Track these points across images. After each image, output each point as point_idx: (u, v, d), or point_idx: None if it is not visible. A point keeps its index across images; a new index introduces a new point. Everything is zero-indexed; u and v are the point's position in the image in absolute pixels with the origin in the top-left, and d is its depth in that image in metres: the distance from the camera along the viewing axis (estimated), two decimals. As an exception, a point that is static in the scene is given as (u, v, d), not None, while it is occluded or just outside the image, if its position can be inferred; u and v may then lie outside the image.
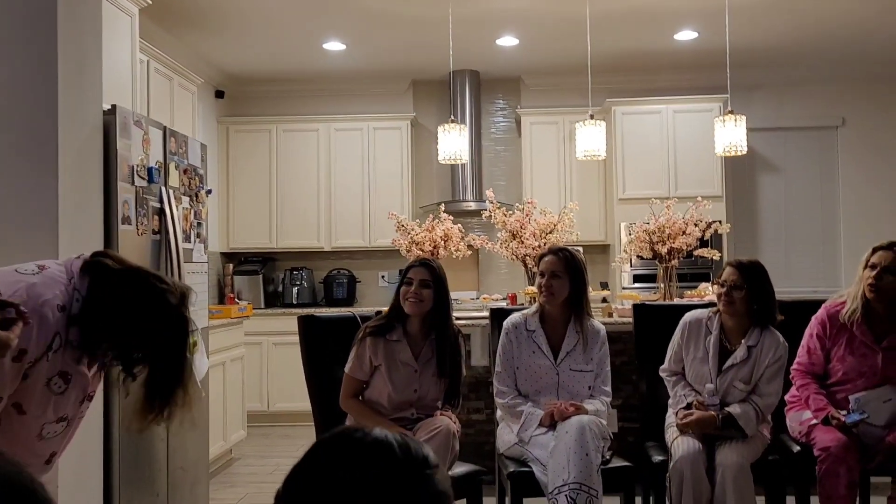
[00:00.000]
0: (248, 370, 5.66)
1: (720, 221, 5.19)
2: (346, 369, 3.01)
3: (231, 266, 6.76)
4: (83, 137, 2.74)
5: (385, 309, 3.14)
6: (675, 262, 4.84)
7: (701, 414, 3.00)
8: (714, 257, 4.95)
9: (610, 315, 4.72)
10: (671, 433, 3.08)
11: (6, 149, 2.46)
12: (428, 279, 2.97)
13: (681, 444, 2.95)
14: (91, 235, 2.83)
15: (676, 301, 4.52)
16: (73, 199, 2.67)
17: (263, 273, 6.81)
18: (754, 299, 3.05)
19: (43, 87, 2.55)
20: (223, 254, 6.84)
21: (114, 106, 2.97)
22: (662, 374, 3.26)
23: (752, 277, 3.05)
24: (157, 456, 3.27)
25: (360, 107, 7.06)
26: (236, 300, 6.21)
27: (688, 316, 3.22)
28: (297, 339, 3.28)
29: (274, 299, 6.88)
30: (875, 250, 3.04)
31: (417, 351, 3.00)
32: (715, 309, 3.17)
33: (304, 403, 6.02)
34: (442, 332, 3.01)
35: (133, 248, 3.06)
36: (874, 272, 2.99)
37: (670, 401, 3.21)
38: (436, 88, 7.10)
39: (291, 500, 0.83)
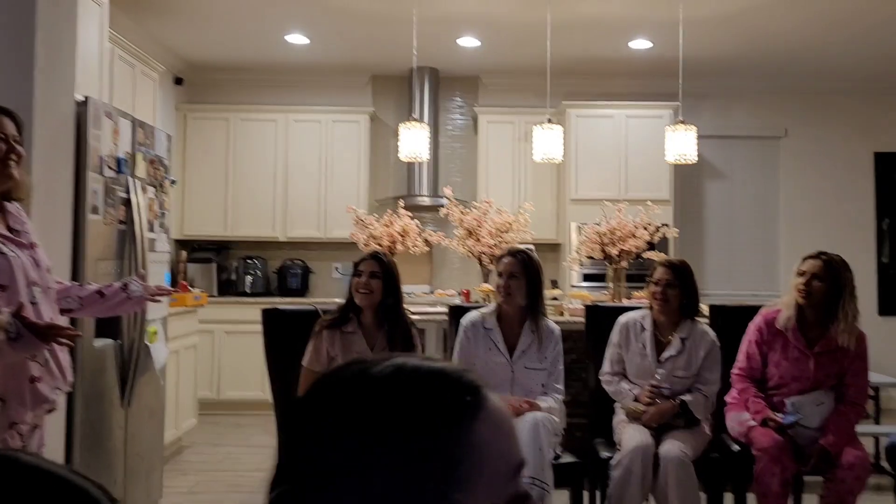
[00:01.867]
0: (199, 358, 5.66)
1: (668, 225, 5.39)
2: (304, 362, 3.08)
3: (185, 253, 6.73)
4: (56, 128, 2.75)
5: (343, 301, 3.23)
6: (624, 263, 5.03)
7: (661, 405, 3.18)
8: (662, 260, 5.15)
9: (561, 314, 4.88)
10: (621, 427, 3.24)
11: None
12: (377, 271, 3.06)
13: (633, 436, 3.10)
14: (60, 225, 2.84)
15: (626, 302, 4.70)
16: (44, 188, 2.69)
17: (217, 261, 6.80)
18: (684, 295, 3.29)
19: (19, 77, 2.56)
20: (177, 241, 6.80)
21: (87, 97, 2.98)
22: (603, 378, 3.44)
23: (682, 276, 3.31)
24: (116, 443, 3.30)
25: (319, 99, 7.09)
26: (190, 288, 6.19)
27: (622, 318, 3.44)
28: (249, 328, 3.34)
29: (227, 288, 6.88)
30: (805, 259, 3.27)
31: (372, 342, 3.09)
32: (647, 307, 3.37)
33: (254, 392, 6.15)
34: (394, 323, 3.10)
35: (99, 236, 3.09)
36: (804, 279, 3.20)
37: (616, 398, 3.38)
38: (395, 84, 7.16)
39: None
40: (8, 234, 1.98)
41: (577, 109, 6.65)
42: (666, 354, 3.30)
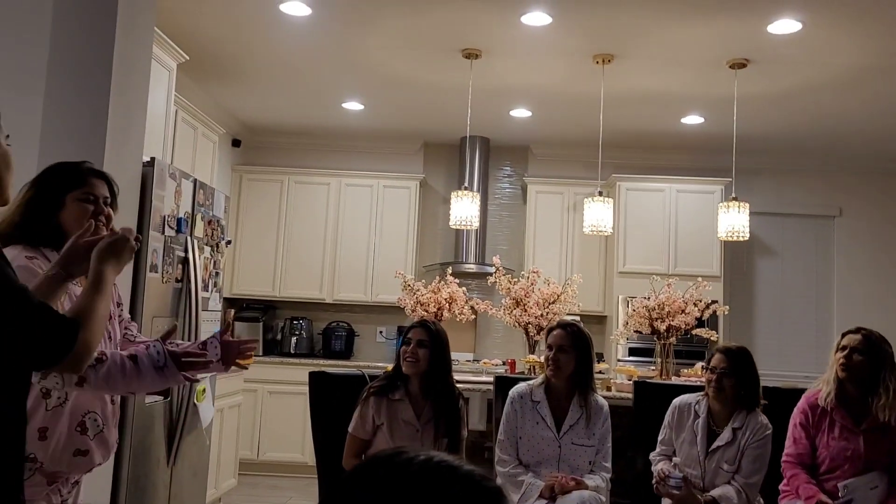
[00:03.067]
0: (243, 418, 5.67)
1: (718, 302, 5.30)
2: (350, 429, 3.05)
3: (233, 311, 6.81)
4: (123, 188, 2.84)
5: (389, 367, 3.22)
6: (672, 339, 4.94)
7: (686, 494, 3.06)
8: (711, 338, 5.05)
9: (608, 389, 4.80)
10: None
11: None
12: (425, 339, 3.04)
13: None
14: (121, 281, 2.91)
15: (675, 380, 4.60)
16: (108, 245, 2.77)
17: (264, 321, 6.87)
18: (741, 385, 3.17)
19: (92, 138, 2.67)
20: (226, 299, 6.89)
21: (153, 158, 3.09)
22: (653, 460, 3.34)
23: (740, 364, 3.20)
24: (159, 502, 3.30)
25: (371, 164, 7.23)
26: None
27: (677, 400, 3.33)
28: (292, 388, 3.35)
29: (272, 347, 6.93)
30: (844, 334, 3.19)
31: (419, 410, 3.06)
32: (703, 393, 3.28)
33: (294, 454, 6.11)
34: (440, 393, 3.07)
35: (156, 294, 3.15)
36: (844, 353, 3.12)
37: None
38: (446, 151, 7.28)
39: None
40: None
41: (627, 182, 6.65)
42: (716, 444, 3.18)
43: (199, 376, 2.06)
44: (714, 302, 5.16)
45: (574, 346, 3.21)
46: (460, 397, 3.15)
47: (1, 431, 1.40)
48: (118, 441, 2.07)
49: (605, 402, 3.31)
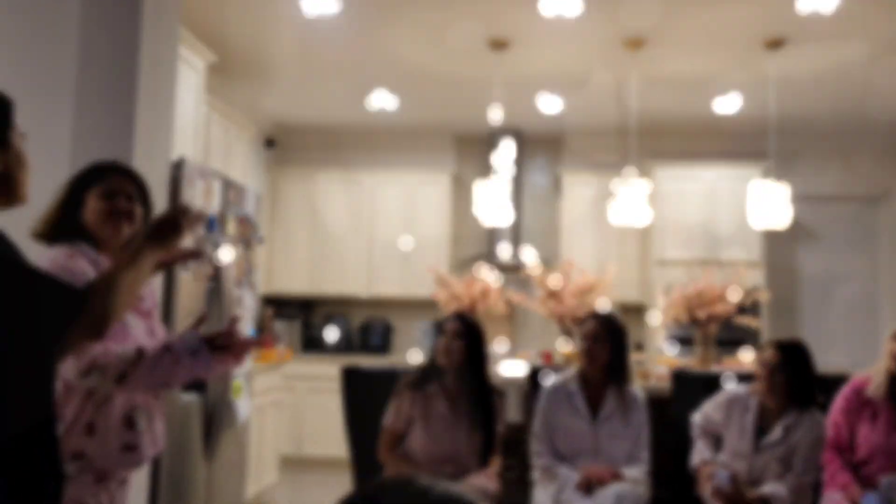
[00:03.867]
0: (283, 414, 5.72)
1: (759, 289, 5.19)
2: (385, 422, 3.04)
3: (271, 310, 6.87)
4: (151, 187, 2.88)
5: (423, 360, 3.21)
6: (713, 327, 4.84)
7: (733, 492, 2.96)
8: (753, 325, 4.95)
9: (646, 378, 4.72)
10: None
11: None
12: (461, 332, 3.01)
13: None
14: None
15: (715, 368, 4.51)
16: (139, 245, 2.80)
17: (302, 318, 6.92)
18: (794, 381, 3.05)
19: (120, 138, 2.70)
20: (264, 297, 6.97)
21: (182, 158, 3.12)
22: (694, 423, 3.24)
23: (793, 359, 3.06)
24: (198, 498, 3.33)
25: (404, 160, 7.23)
26: (275, 344, 6.30)
27: (727, 392, 3.23)
28: (332, 385, 3.36)
29: (311, 344, 6.98)
30: None
31: (454, 404, 3.03)
32: (754, 386, 3.18)
33: (336, 450, 6.14)
34: (476, 386, 3.04)
35: (190, 294, 3.18)
36: None
37: (696, 455, 3.19)
38: (477, 145, 7.25)
39: None
40: None
41: (662, 169, 6.54)
42: (766, 441, 3.08)
43: (230, 365, 2.04)
44: (755, 289, 5.04)
45: (608, 336, 3.16)
46: (496, 392, 3.12)
47: (30, 408, 1.42)
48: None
49: (640, 392, 3.26)
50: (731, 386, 3.27)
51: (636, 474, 3.07)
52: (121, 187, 2.01)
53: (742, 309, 4.88)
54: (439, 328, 3.08)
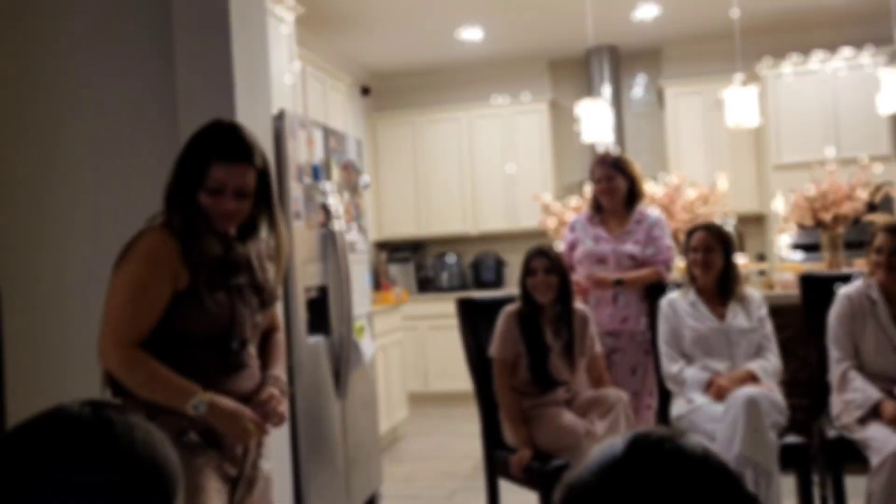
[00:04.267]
0: (407, 352, 5.90)
1: (891, 183, 4.87)
2: (494, 353, 3.10)
3: (384, 255, 7.05)
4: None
5: None
6: (840, 229, 4.60)
7: None
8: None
9: (771, 287, 4.56)
10: (852, 423, 2.86)
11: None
12: (550, 266, 3.06)
13: (891, 439, 2.65)
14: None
15: (846, 270, 4.30)
16: (253, 199, 2.92)
17: (414, 260, 7.06)
18: None
19: (222, 99, 2.79)
20: (376, 243, 7.15)
21: (282, 111, 3.20)
22: (835, 372, 3.00)
23: None
24: (335, 433, 3.51)
25: (499, 91, 7.14)
26: (391, 287, 6.48)
27: (842, 293, 3.03)
28: (451, 322, 3.43)
29: (426, 284, 7.13)
30: None
31: (555, 334, 3.09)
32: (867, 279, 2.99)
33: (461, 384, 6.26)
34: (571, 314, 3.10)
35: (304, 241, 3.30)
36: None
37: (842, 393, 2.94)
38: (573, 67, 7.06)
39: None
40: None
41: (774, 69, 6.17)
42: None
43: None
44: (886, 183, 4.74)
45: (719, 244, 3.18)
46: (586, 317, 3.18)
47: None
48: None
49: (756, 291, 3.31)
50: (843, 289, 3.07)
51: (765, 364, 3.05)
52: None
53: (872, 206, 4.60)
54: (525, 266, 3.10)
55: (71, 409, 0.79)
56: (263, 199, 1.95)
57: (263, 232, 2.02)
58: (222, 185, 1.85)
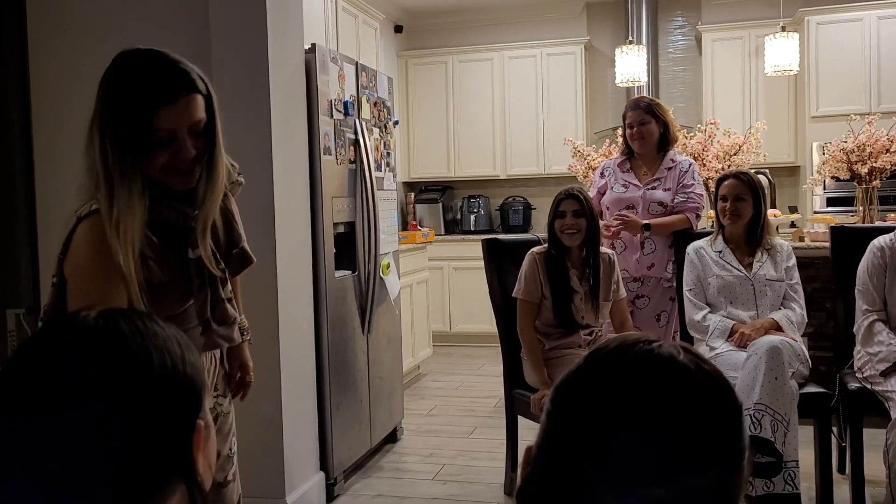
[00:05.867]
0: (431, 293, 5.96)
1: (931, 137, 4.74)
2: (520, 294, 3.12)
3: (413, 195, 7.07)
4: (289, 76, 2.98)
5: None
6: (876, 182, 4.51)
7: None
8: (922, 176, 4.56)
9: (801, 239, 4.51)
10: (875, 376, 2.85)
11: (227, 91, 2.73)
12: (579, 209, 3.04)
13: None
14: (300, 166, 3.10)
15: (879, 224, 4.24)
16: (283, 132, 2.94)
17: (442, 201, 7.07)
18: None
19: (254, 32, 2.79)
20: (405, 183, 7.15)
21: (313, 45, 3.19)
22: (863, 324, 2.95)
23: None
24: (360, 366, 3.59)
25: (533, 33, 7.02)
26: (418, 227, 6.51)
27: (874, 244, 2.98)
28: (476, 264, 3.45)
29: (453, 226, 7.15)
30: None
31: (581, 277, 3.10)
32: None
33: (483, 325, 6.37)
34: (597, 258, 3.10)
35: (333, 176, 3.32)
36: None
37: (866, 345, 2.92)
38: (610, 9, 6.90)
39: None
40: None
41: (817, 16, 5.99)
42: None
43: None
44: (925, 137, 4.60)
45: (750, 193, 3.14)
46: (613, 262, 3.19)
47: None
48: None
49: (784, 241, 3.27)
50: (876, 240, 3.02)
51: (789, 313, 3.06)
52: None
53: (910, 160, 4.49)
54: (555, 208, 3.09)
55: (84, 319, 0.79)
56: (208, 129, 1.57)
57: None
58: (172, 131, 1.50)
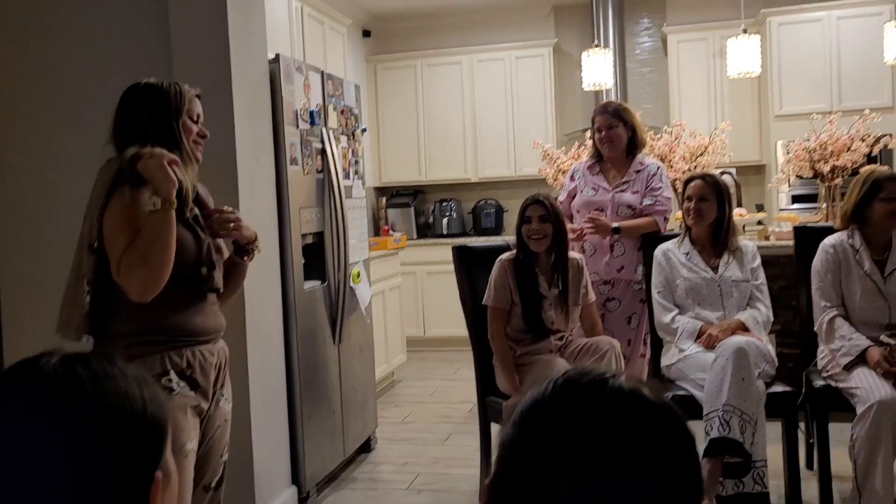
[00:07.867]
0: (404, 298, 5.95)
1: (891, 135, 4.83)
2: (490, 301, 3.14)
3: (384, 200, 7.05)
4: (253, 86, 2.97)
5: None
6: (838, 180, 4.58)
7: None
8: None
9: (766, 238, 4.57)
10: (848, 374, 2.88)
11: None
12: (545, 214, 3.09)
13: (874, 387, 2.69)
14: (264, 177, 3.08)
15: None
16: (248, 143, 2.92)
17: (415, 205, 7.07)
18: None
19: (217, 42, 2.77)
20: (376, 188, 7.14)
21: (277, 55, 3.17)
22: (822, 322, 3.02)
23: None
24: (331, 377, 3.58)
25: (501, 36, 7.05)
26: (391, 232, 6.50)
27: (826, 243, 3.05)
28: (449, 267, 3.46)
29: (425, 230, 7.15)
30: None
31: (549, 282, 3.13)
32: (845, 228, 3.04)
33: (458, 329, 6.27)
34: (566, 263, 3.13)
35: (300, 186, 3.31)
36: None
37: (828, 342, 2.97)
38: (577, 12, 6.95)
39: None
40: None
41: (778, 16, 6.08)
42: (889, 268, 2.94)
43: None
44: (887, 135, 4.70)
45: (714, 194, 3.17)
46: (581, 266, 3.22)
47: None
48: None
49: (750, 242, 3.31)
50: (825, 240, 3.10)
51: (755, 313, 3.09)
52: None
53: (871, 158, 4.58)
54: (521, 214, 3.11)
55: (41, 366, 0.78)
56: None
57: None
58: (198, 115, 2.11)
